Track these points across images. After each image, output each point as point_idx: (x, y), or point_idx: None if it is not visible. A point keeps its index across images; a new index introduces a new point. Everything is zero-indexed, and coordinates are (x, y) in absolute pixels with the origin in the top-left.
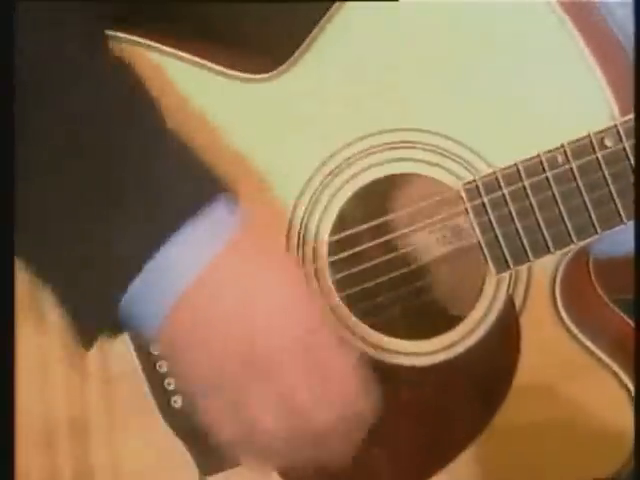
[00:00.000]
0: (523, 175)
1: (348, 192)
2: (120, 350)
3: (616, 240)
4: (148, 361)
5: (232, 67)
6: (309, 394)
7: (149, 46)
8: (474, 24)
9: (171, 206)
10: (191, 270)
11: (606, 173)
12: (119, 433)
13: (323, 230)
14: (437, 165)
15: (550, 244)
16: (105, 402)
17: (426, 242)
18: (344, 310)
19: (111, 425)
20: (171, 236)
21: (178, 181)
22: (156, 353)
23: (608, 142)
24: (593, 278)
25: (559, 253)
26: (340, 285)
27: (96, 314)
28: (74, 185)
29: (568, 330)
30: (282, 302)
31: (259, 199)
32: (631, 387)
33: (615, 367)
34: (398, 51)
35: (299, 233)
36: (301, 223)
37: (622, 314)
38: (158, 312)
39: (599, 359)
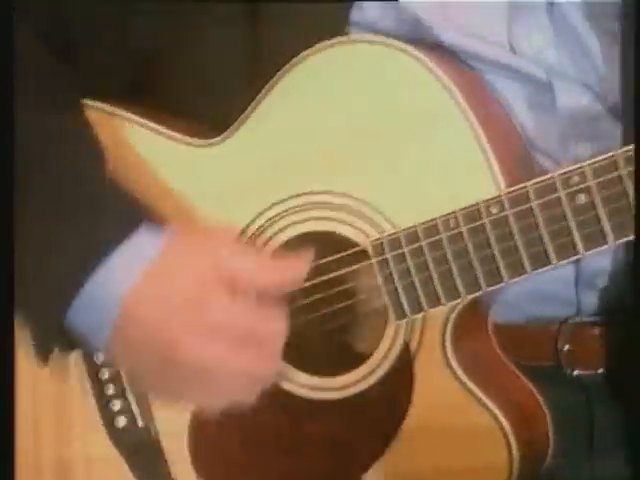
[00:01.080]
0: (421, 236)
1: (273, 246)
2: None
3: (513, 306)
4: (96, 380)
5: (185, 133)
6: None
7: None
8: (384, 106)
9: (103, 232)
10: (123, 285)
11: (491, 236)
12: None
13: None
14: (349, 224)
15: (442, 297)
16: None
17: (338, 290)
18: None
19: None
20: (103, 259)
21: (109, 211)
22: (99, 363)
23: (494, 210)
24: (489, 330)
25: (450, 305)
26: None
27: (45, 329)
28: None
29: (455, 375)
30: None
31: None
32: (507, 428)
33: (496, 411)
34: (320, 125)
35: None
36: None
37: (508, 362)
38: (101, 326)
39: (483, 403)
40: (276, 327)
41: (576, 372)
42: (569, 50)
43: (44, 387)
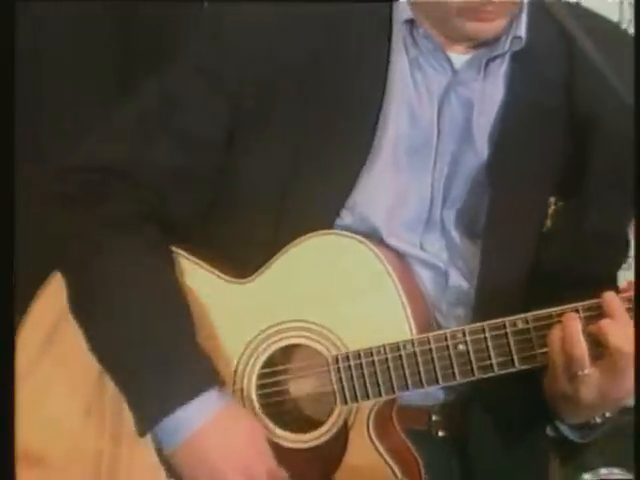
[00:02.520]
0: (362, 356)
1: (271, 349)
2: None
3: (407, 398)
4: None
5: (224, 272)
6: None
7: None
8: (344, 276)
9: (189, 382)
10: (193, 426)
11: (405, 363)
12: None
13: (256, 366)
14: (318, 341)
15: (371, 395)
16: None
17: (306, 383)
18: (260, 414)
19: None
20: (185, 404)
21: (197, 369)
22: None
23: (407, 346)
24: (394, 418)
25: (374, 400)
26: (260, 398)
27: (145, 421)
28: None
29: (374, 444)
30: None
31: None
32: (399, 475)
33: (396, 469)
34: (304, 284)
35: (242, 368)
36: (242, 362)
37: (405, 439)
38: (172, 446)
39: (387, 463)
40: None
41: (440, 434)
42: (452, 251)
43: None
